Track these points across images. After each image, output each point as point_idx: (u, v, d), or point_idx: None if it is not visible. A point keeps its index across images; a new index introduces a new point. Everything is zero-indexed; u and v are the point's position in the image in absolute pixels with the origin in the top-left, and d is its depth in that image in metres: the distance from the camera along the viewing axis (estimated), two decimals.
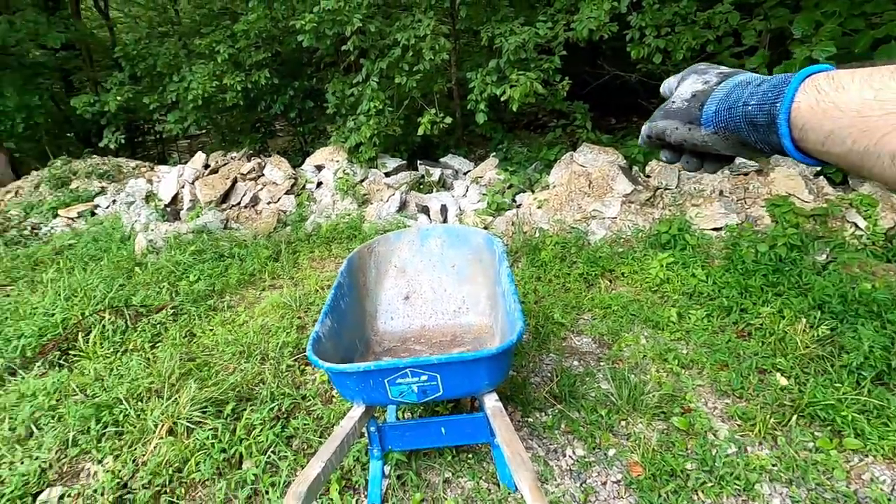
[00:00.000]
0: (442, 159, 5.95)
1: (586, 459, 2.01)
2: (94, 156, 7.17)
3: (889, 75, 0.41)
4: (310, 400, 2.42)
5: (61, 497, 1.93)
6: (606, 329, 2.90)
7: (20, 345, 2.90)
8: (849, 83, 0.43)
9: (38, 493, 1.95)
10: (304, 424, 2.24)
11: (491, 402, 1.62)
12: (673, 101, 0.61)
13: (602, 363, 2.63)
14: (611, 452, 2.04)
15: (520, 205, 4.65)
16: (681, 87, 0.62)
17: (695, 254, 3.47)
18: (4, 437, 2.21)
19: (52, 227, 5.48)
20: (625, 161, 4.53)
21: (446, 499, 1.86)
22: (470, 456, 2.03)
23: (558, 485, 1.92)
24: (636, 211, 4.11)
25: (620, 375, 2.42)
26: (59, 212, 5.69)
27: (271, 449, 2.10)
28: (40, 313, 3.26)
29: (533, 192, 4.75)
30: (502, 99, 4.49)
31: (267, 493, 1.90)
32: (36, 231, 5.46)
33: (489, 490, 1.89)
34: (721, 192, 3.98)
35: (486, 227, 4.37)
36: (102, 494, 1.91)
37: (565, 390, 2.36)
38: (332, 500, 1.85)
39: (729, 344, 2.65)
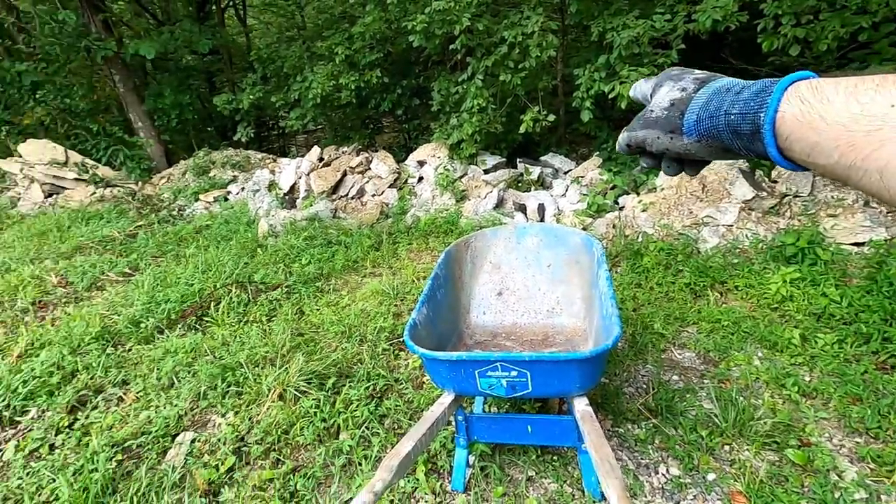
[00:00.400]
0: (542, 157, 5.87)
1: (681, 480, 1.89)
2: (229, 148, 8.12)
3: (874, 88, 0.40)
4: (402, 383, 2.55)
5: (193, 441, 2.24)
6: (713, 345, 2.69)
7: (167, 308, 3.40)
8: (833, 95, 0.43)
9: (175, 435, 2.29)
10: (396, 406, 2.36)
11: (581, 405, 1.59)
12: (651, 111, 0.60)
13: (706, 381, 2.44)
14: (710, 477, 1.90)
15: (622, 207, 4.44)
16: (657, 95, 0.61)
17: (827, 270, 3.07)
18: (153, 385, 2.62)
19: (193, 210, 6.32)
20: (747, 164, 4.12)
21: (528, 497, 1.86)
22: (555, 458, 2.01)
23: (648, 502, 1.83)
24: (757, 219, 3.73)
25: (727, 396, 2.23)
26: (200, 196, 6.54)
27: (365, 424, 2.25)
28: (182, 283, 3.79)
29: (638, 194, 4.51)
30: (610, 96, 4.31)
31: (360, 464, 2.05)
32: (181, 212, 6.33)
33: (573, 495, 1.86)
34: (867, 203, 3.47)
35: (584, 229, 4.24)
36: (224, 444, 2.19)
37: (662, 405, 2.23)
38: (418, 479, 1.94)
39: (865, 376, 2.32)
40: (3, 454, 2.22)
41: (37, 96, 7.29)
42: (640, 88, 0.67)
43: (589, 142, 6.29)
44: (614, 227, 4.15)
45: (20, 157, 7.30)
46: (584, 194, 4.72)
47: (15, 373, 2.69)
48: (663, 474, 1.94)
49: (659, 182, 4.40)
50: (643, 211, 4.18)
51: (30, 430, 2.35)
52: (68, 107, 7.53)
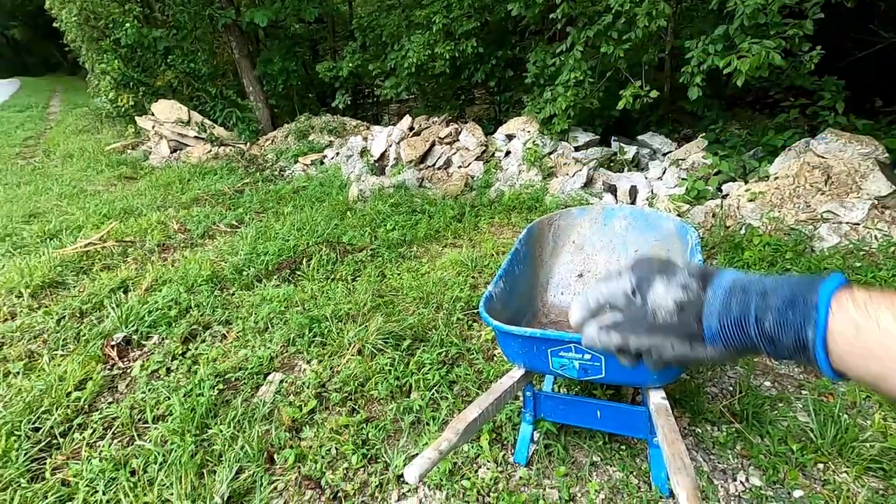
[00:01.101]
0: (639, 137, 5.51)
1: (763, 492, 1.77)
2: (327, 114, 8.51)
3: None
4: (473, 353, 2.60)
5: (281, 381, 2.47)
6: None
7: (265, 260, 3.72)
8: (890, 321, 0.38)
9: (267, 374, 2.53)
10: (466, 374, 2.43)
11: (657, 398, 1.53)
12: (653, 313, 0.53)
13: (804, 392, 2.23)
14: (796, 494, 1.76)
15: (726, 195, 4.08)
16: (654, 295, 0.53)
17: None
18: (251, 327, 2.91)
19: (293, 171, 6.76)
20: (886, 155, 3.58)
21: (590, 480, 1.84)
22: (622, 447, 1.97)
23: None
24: (892, 219, 3.25)
25: (827, 410, 2.02)
26: (299, 159, 6.97)
27: (435, 388, 2.34)
28: (280, 238, 4.12)
29: (746, 182, 4.11)
30: (725, 72, 3.90)
31: (428, 424, 2.14)
32: (282, 172, 6.80)
33: (638, 487, 1.81)
34: None
35: (679, 215, 3.96)
36: (308, 388, 2.39)
37: (748, 409, 2.08)
38: (481, 447, 1.99)
39: None
40: (131, 371, 2.61)
41: (168, 60, 8.11)
42: (610, 290, 0.57)
43: (694, 121, 5.79)
44: (714, 215, 3.84)
45: (153, 115, 8.22)
46: (683, 178, 4.38)
47: (142, 304, 3.12)
48: (742, 482, 1.82)
49: (774, 170, 3.97)
50: (750, 201, 3.81)
51: (152, 354, 2.72)
52: (193, 71, 8.30)
